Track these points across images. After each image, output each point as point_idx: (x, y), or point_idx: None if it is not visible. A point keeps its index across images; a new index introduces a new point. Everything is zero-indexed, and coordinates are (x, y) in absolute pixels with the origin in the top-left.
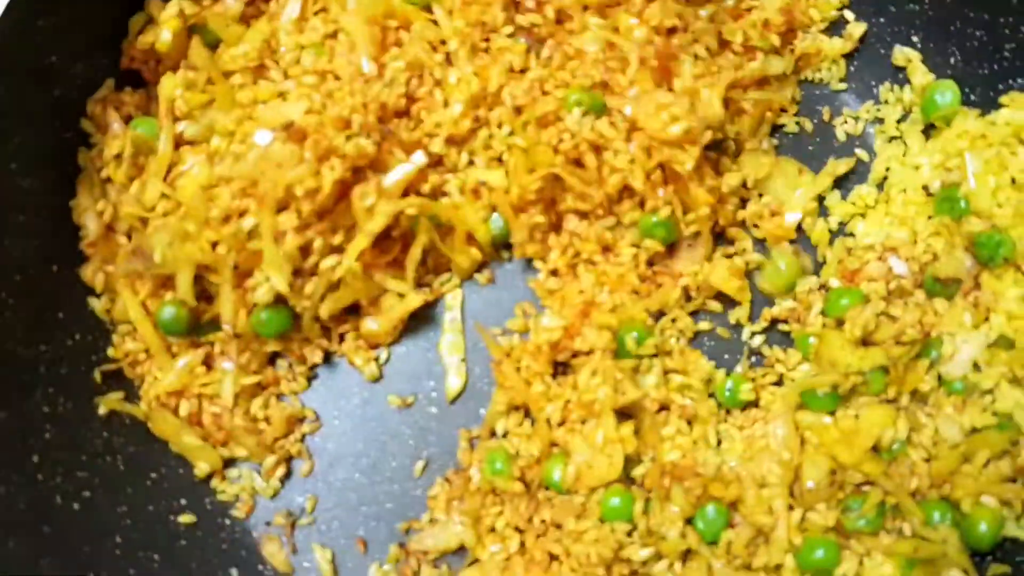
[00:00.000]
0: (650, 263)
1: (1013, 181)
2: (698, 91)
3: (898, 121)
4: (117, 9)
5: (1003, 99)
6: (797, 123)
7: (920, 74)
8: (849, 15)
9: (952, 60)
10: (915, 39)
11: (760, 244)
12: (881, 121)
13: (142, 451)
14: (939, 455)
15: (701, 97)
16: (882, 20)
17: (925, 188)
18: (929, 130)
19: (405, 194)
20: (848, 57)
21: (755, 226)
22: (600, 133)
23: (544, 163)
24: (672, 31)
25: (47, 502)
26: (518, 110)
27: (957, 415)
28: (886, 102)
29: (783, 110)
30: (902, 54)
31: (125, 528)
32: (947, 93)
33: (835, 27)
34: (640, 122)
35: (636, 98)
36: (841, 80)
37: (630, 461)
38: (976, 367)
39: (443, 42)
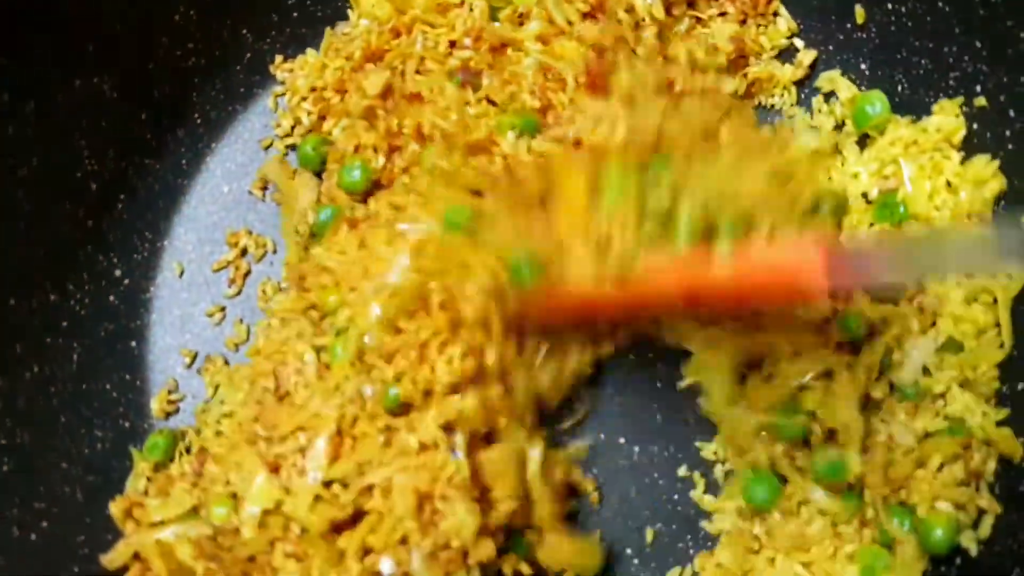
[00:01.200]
0: None
1: (948, 184)
2: (635, 96)
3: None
4: None
5: (934, 107)
6: None
7: (845, 88)
8: (799, 43)
9: (899, 88)
10: (863, 66)
11: None
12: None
13: (100, 481)
14: (894, 461)
15: (639, 101)
16: (831, 47)
17: (864, 196)
18: (864, 140)
19: None
20: (799, 84)
21: None
22: (539, 152)
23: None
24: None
25: (4, 533)
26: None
27: (910, 420)
28: (819, 111)
29: None
30: (824, 77)
31: (83, 558)
32: (876, 103)
33: (786, 54)
34: (582, 136)
35: (571, 117)
36: (793, 105)
37: None
38: (926, 371)
39: None
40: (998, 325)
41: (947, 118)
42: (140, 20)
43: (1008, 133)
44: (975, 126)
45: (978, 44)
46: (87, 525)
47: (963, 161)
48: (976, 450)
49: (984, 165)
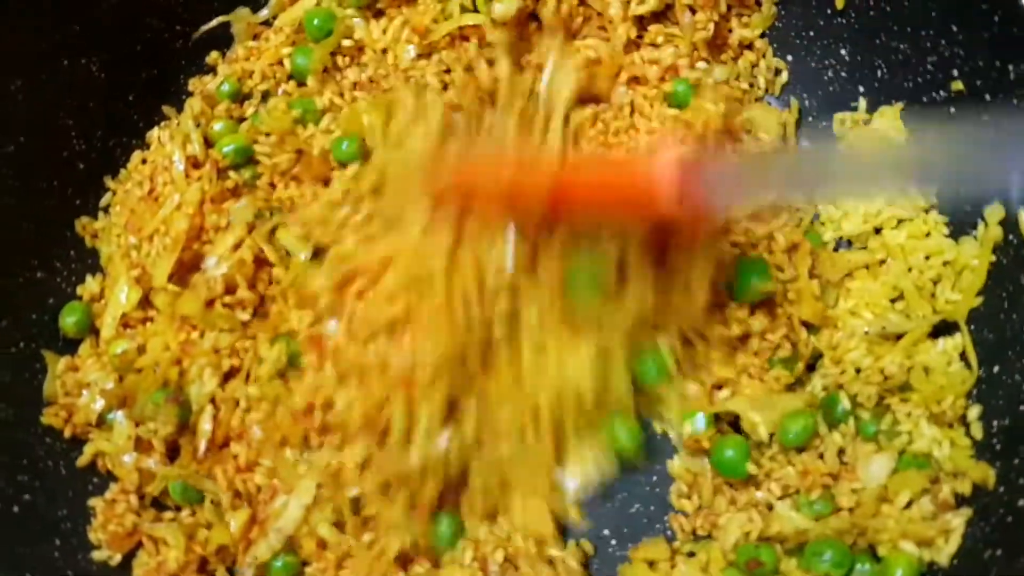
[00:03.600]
0: None
1: None
2: None
3: None
4: None
5: (875, 113)
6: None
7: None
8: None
9: (878, 73)
10: (843, 52)
11: None
12: None
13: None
14: (861, 503)
15: None
16: (811, 34)
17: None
18: None
19: None
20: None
21: None
22: None
23: None
24: None
25: None
26: None
27: (876, 461)
28: None
29: None
30: None
31: (65, 532)
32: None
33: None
34: None
35: None
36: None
37: None
38: (888, 408)
39: None
40: (963, 356)
41: (886, 121)
42: (127, 1)
43: (985, 117)
44: (952, 110)
45: (954, 28)
46: (69, 499)
47: None
48: (944, 482)
49: None
